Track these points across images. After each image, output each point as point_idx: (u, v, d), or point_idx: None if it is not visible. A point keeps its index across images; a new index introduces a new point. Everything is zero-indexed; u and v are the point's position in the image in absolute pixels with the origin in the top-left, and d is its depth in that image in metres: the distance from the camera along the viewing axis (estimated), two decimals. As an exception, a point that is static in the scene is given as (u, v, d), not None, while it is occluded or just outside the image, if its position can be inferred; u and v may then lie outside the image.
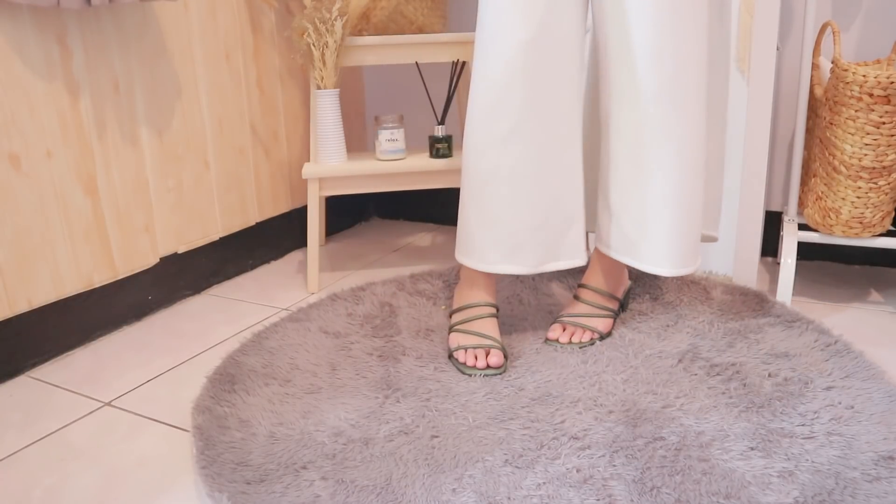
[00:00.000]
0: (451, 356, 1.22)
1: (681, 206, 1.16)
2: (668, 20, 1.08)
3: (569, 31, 1.13)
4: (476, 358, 1.18)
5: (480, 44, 1.16)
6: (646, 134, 1.14)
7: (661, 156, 1.14)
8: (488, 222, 1.20)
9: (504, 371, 1.18)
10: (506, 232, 1.19)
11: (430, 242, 1.99)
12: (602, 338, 1.27)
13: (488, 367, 1.17)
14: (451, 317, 1.30)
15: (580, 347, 1.24)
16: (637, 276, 1.51)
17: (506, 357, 1.20)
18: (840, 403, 1.04)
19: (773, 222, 1.74)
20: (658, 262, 1.19)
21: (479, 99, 1.17)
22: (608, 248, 1.25)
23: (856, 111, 1.30)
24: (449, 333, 1.27)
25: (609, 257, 1.28)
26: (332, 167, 1.60)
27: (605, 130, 1.20)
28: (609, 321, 1.29)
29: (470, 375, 1.16)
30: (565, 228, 1.21)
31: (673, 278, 1.49)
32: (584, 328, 1.27)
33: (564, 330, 1.27)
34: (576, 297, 1.33)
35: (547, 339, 1.26)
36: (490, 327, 1.23)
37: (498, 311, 1.31)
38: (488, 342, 1.20)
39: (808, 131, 1.54)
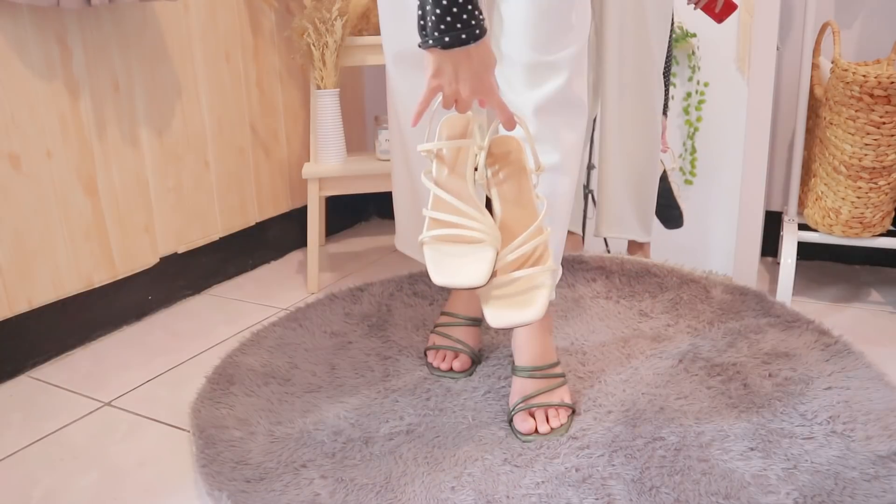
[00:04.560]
0: (425, 352, 1.25)
1: None
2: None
3: None
4: (443, 359, 1.20)
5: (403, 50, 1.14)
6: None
7: None
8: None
9: (470, 374, 1.19)
10: None
11: (430, 242, 1.98)
12: (574, 410, 1.07)
13: (451, 369, 1.19)
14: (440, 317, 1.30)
15: (565, 432, 1.02)
16: (638, 275, 1.51)
17: (474, 363, 1.21)
18: (840, 403, 1.04)
19: (773, 222, 1.74)
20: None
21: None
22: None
23: (856, 111, 1.30)
24: (430, 332, 1.29)
25: (527, 330, 1.11)
26: (332, 167, 1.60)
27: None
28: (565, 387, 1.08)
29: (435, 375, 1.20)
30: None
31: (674, 277, 1.48)
32: (553, 406, 1.05)
33: (534, 416, 1.04)
34: (516, 375, 1.10)
35: (522, 436, 1.02)
36: (465, 334, 1.23)
37: (481, 322, 1.26)
38: (458, 346, 1.21)
39: (808, 131, 1.54)
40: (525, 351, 1.09)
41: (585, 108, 1.10)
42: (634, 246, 1.57)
